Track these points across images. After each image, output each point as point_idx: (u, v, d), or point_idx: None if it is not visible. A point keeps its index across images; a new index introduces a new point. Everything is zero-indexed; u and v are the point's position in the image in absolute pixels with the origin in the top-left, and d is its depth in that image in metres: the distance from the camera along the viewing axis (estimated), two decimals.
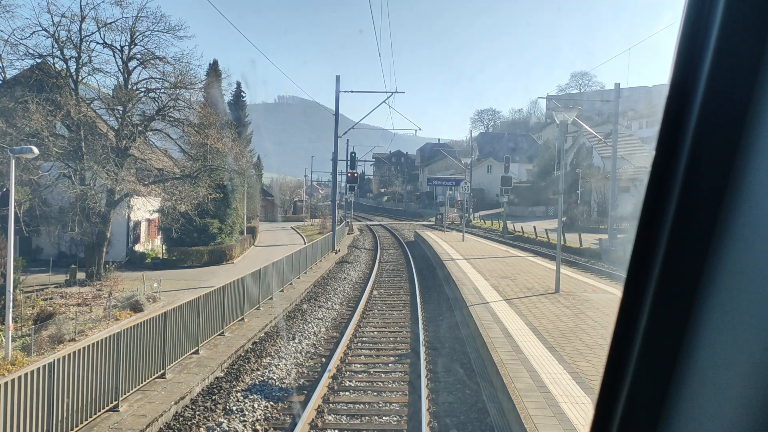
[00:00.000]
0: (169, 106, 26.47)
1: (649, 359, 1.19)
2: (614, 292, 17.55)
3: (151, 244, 35.07)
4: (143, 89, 26.86)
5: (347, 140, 53.69)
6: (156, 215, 32.23)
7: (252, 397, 10.84)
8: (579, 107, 28.09)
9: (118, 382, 9.54)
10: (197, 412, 10.16)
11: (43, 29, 24.35)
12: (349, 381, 11.74)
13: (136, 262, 30.77)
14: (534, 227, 44.79)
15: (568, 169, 54.76)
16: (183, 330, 12.24)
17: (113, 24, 25.69)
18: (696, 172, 1.11)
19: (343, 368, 12.59)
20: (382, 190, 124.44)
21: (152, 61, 26.62)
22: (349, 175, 44.18)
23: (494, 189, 76.00)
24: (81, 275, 24.92)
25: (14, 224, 14.85)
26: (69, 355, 8.38)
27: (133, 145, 26.17)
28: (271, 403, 10.61)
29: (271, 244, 44.26)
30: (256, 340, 15.05)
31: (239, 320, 16.25)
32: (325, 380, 11.47)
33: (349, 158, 44.31)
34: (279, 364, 12.97)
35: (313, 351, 14.24)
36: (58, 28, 24.52)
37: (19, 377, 7.37)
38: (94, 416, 9.01)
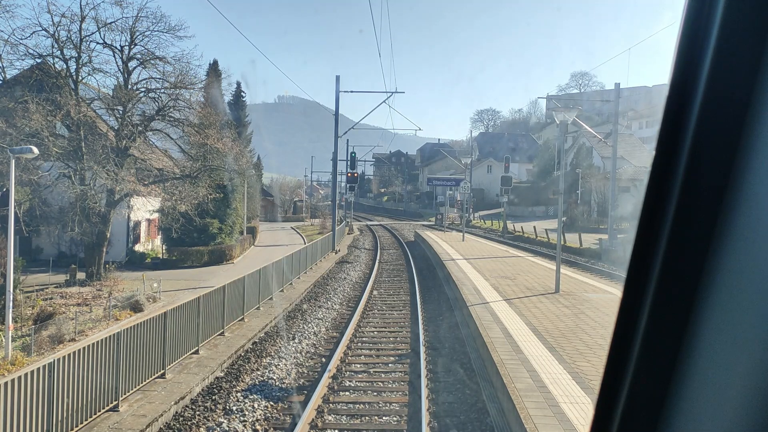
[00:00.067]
0: (169, 106, 26.47)
1: (649, 359, 1.19)
2: (614, 292, 17.55)
3: (151, 244, 35.07)
4: (143, 89, 26.87)
5: (347, 140, 53.71)
6: (156, 215, 32.24)
7: (252, 397, 10.84)
8: (579, 107, 28.08)
9: (118, 382, 9.54)
10: (197, 412, 10.16)
11: (43, 29, 24.37)
12: (349, 381, 11.74)
13: (136, 262, 30.77)
14: (534, 227, 44.80)
15: (568, 169, 54.77)
16: (183, 330, 12.24)
17: (113, 24, 25.73)
18: (696, 172, 1.11)
19: (343, 368, 12.59)
20: (382, 190, 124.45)
21: (152, 61, 26.63)
22: (349, 175, 44.18)
23: (494, 189, 76.00)
24: (81, 275, 24.92)
25: (14, 224, 14.86)
26: (69, 355, 8.38)
27: (133, 145, 26.17)
28: (271, 403, 10.61)
29: (271, 244, 44.26)
30: (256, 340, 15.05)
31: (239, 320, 16.25)
32: (325, 380, 11.47)
33: (349, 158, 44.31)
34: (279, 364, 12.97)
35: (313, 351, 14.24)
36: (58, 28, 24.56)
37: (19, 377, 7.37)
38: (94, 416, 9.01)
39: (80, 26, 24.86)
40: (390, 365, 12.98)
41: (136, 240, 33.53)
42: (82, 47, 25.16)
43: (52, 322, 15.88)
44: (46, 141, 22.38)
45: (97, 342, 9.13)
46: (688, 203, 1.12)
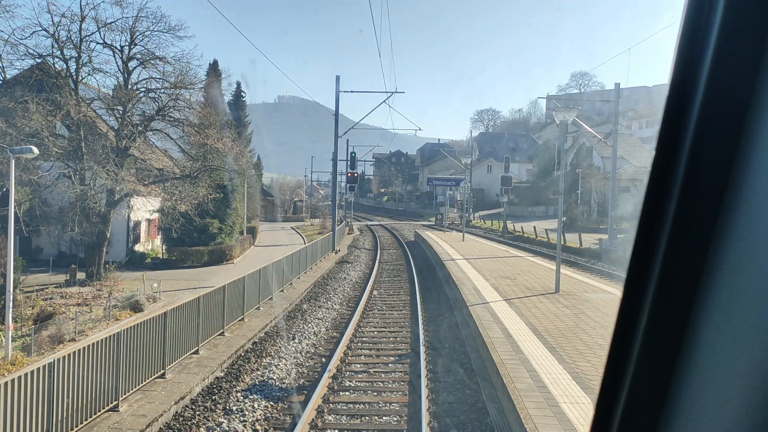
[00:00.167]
0: (169, 106, 26.48)
1: (649, 359, 1.19)
2: (614, 292, 17.55)
3: (151, 244, 35.07)
4: (143, 89, 26.88)
5: (347, 140, 53.71)
6: (156, 215, 32.23)
7: (252, 397, 10.84)
8: (579, 107, 28.09)
9: (118, 382, 9.54)
10: (197, 412, 10.16)
11: (43, 29, 24.38)
12: (349, 381, 11.74)
13: (136, 262, 30.77)
14: (534, 227, 44.80)
15: (568, 169, 54.77)
16: (183, 330, 12.24)
17: (113, 24, 25.73)
18: (696, 172, 1.11)
19: (343, 368, 12.59)
20: (382, 190, 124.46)
21: (152, 61, 26.64)
22: (349, 175, 44.18)
23: (494, 189, 75.99)
24: (81, 275, 24.92)
25: (14, 224, 14.85)
26: (69, 355, 8.38)
27: (133, 145, 26.17)
28: (271, 403, 10.61)
29: (271, 244, 44.26)
30: (256, 340, 15.05)
31: (239, 320, 16.25)
32: (325, 380, 11.47)
33: (349, 158, 44.31)
34: (279, 364, 12.97)
35: (313, 351, 14.24)
36: (58, 28, 24.56)
37: (19, 377, 7.37)
38: (94, 416, 9.01)
39: (80, 26, 24.89)
40: (390, 365, 12.98)
41: (136, 240, 33.53)
42: (82, 47, 25.17)
43: (52, 322, 15.88)
44: (46, 141, 22.38)
45: (97, 342, 9.13)
46: (688, 203, 1.12)
